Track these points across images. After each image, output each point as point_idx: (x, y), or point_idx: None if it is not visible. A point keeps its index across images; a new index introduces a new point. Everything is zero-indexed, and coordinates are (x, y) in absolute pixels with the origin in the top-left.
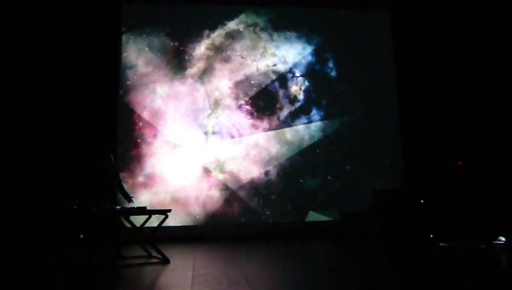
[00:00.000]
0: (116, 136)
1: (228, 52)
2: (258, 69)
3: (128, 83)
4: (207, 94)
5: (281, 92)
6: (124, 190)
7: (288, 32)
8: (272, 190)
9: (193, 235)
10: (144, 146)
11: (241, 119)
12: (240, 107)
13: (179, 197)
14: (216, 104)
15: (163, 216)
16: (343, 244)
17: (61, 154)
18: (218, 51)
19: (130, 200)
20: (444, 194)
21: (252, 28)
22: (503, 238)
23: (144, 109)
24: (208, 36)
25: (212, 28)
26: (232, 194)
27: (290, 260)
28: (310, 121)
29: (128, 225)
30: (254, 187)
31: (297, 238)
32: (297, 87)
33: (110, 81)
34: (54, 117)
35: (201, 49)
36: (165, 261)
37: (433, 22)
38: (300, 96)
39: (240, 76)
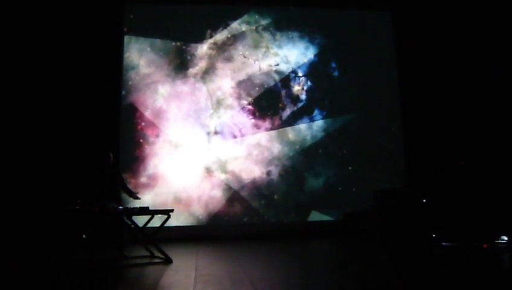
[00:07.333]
0: (118, 137)
1: (230, 52)
2: (260, 69)
3: (130, 83)
4: (209, 94)
5: (283, 92)
6: (128, 188)
7: (290, 32)
8: (274, 189)
9: (196, 235)
10: (146, 146)
11: (243, 119)
12: (242, 107)
13: (181, 197)
14: (218, 104)
15: (166, 216)
16: (346, 244)
17: (63, 155)
18: (221, 51)
19: (135, 197)
20: (447, 193)
21: (254, 28)
22: (505, 238)
23: (146, 109)
24: (211, 36)
25: (215, 28)
26: (235, 194)
27: (293, 259)
28: (312, 121)
29: (131, 225)
30: (256, 187)
31: (300, 238)
32: (300, 87)
33: (112, 82)
34: (56, 118)
35: (203, 48)
36: (168, 261)
37: (435, 22)
38: (303, 96)
39: (242, 76)
